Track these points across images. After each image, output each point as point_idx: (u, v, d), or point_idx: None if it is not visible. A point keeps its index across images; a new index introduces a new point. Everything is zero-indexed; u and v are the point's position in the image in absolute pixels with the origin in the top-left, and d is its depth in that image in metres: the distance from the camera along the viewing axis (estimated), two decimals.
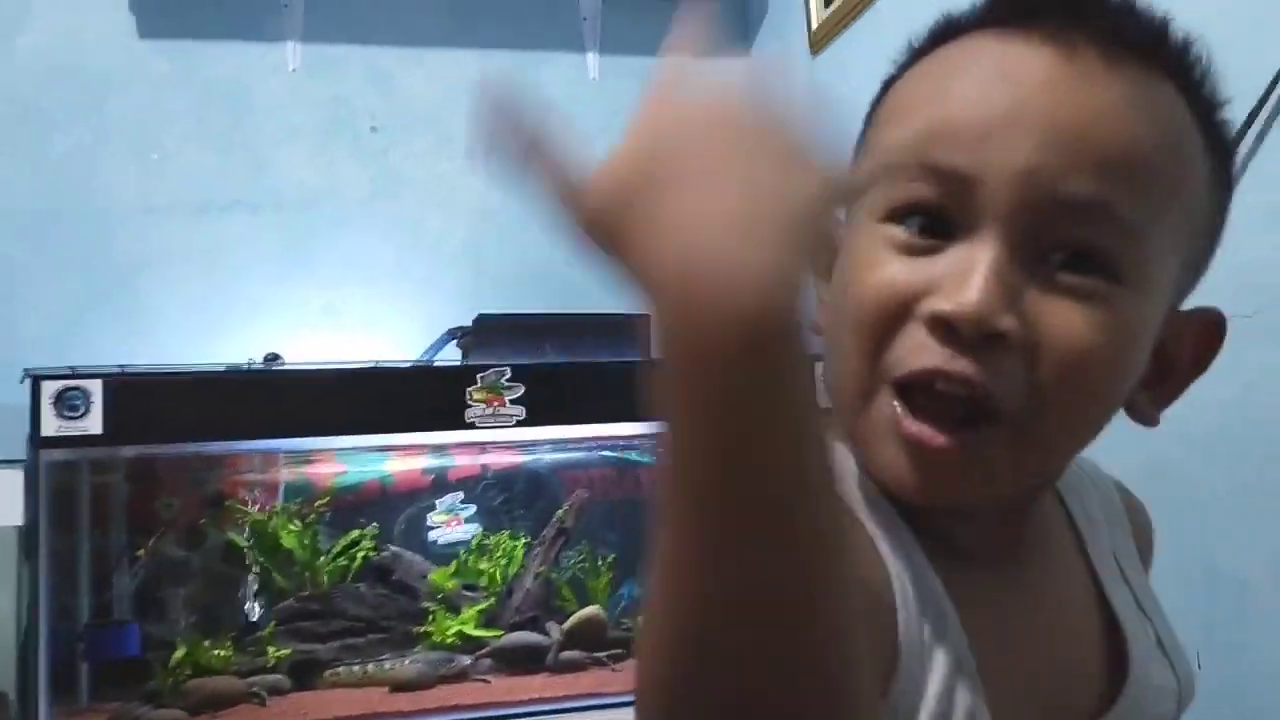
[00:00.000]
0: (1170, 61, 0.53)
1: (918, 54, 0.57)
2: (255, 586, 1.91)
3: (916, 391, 0.51)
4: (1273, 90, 1.17)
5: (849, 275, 0.54)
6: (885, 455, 0.52)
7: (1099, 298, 0.50)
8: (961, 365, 0.49)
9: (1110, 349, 0.50)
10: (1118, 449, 1.41)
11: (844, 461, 0.55)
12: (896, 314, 0.51)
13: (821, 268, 0.58)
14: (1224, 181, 0.57)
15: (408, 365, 2.04)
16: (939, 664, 0.51)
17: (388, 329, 2.24)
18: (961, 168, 0.50)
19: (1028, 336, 0.49)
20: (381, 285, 2.30)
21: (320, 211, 2.31)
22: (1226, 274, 1.26)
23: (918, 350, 0.50)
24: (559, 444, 2.14)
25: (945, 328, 0.49)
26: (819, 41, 2.16)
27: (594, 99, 2.49)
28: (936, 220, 0.51)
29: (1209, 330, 0.59)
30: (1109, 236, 0.50)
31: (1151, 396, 0.58)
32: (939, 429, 0.50)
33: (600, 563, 2.12)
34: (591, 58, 2.51)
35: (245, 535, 1.97)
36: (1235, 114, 1.19)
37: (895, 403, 0.51)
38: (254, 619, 1.90)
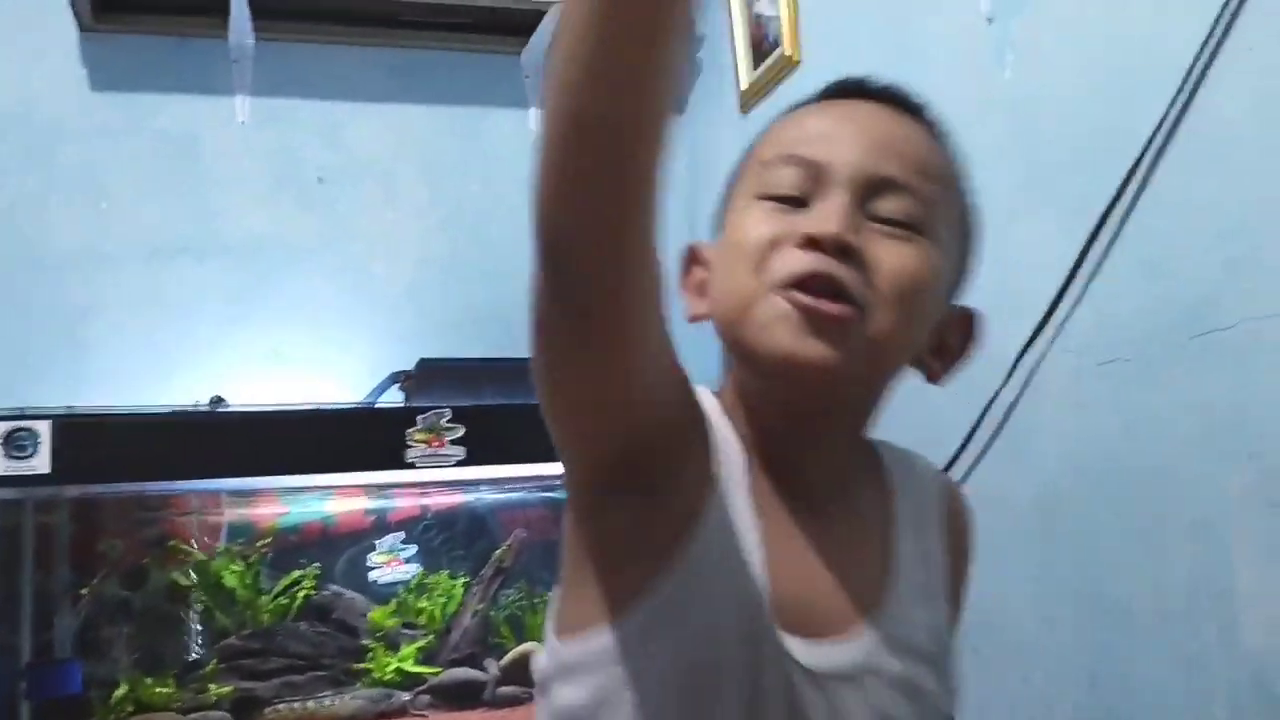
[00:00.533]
0: (934, 127, 0.80)
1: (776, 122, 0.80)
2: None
3: (796, 282, 0.69)
4: (1146, 151, 1.28)
5: (735, 235, 0.74)
6: (783, 340, 0.68)
7: (909, 241, 0.72)
8: (829, 265, 0.69)
9: (919, 270, 0.72)
10: (1013, 485, 1.50)
11: (721, 419, 0.74)
12: (772, 245, 0.71)
13: (693, 286, 0.79)
14: (967, 231, 0.80)
15: (349, 407, 2.10)
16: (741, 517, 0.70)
17: (332, 373, 2.29)
18: (817, 157, 0.73)
19: (867, 256, 0.70)
20: (326, 330, 2.36)
21: (267, 258, 2.37)
22: (1109, 322, 1.38)
23: (795, 262, 0.69)
24: (498, 485, 2.20)
25: (813, 243, 0.69)
26: (748, 101, 2.28)
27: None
28: (796, 200, 0.73)
29: (969, 321, 0.81)
30: (912, 206, 0.72)
31: (938, 365, 0.79)
32: (826, 306, 0.68)
33: (538, 600, 2.18)
34: (534, 113, 2.61)
35: (188, 575, 2.01)
36: (1111, 174, 1.31)
37: (787, 294, 0.69)
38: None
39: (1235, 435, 1.18)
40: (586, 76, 0.55)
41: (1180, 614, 1.25)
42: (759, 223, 0.72)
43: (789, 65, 2.11)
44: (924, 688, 0.73)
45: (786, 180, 0.72)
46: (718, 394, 0.77)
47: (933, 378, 0.79)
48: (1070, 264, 1.39)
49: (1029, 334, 1.46)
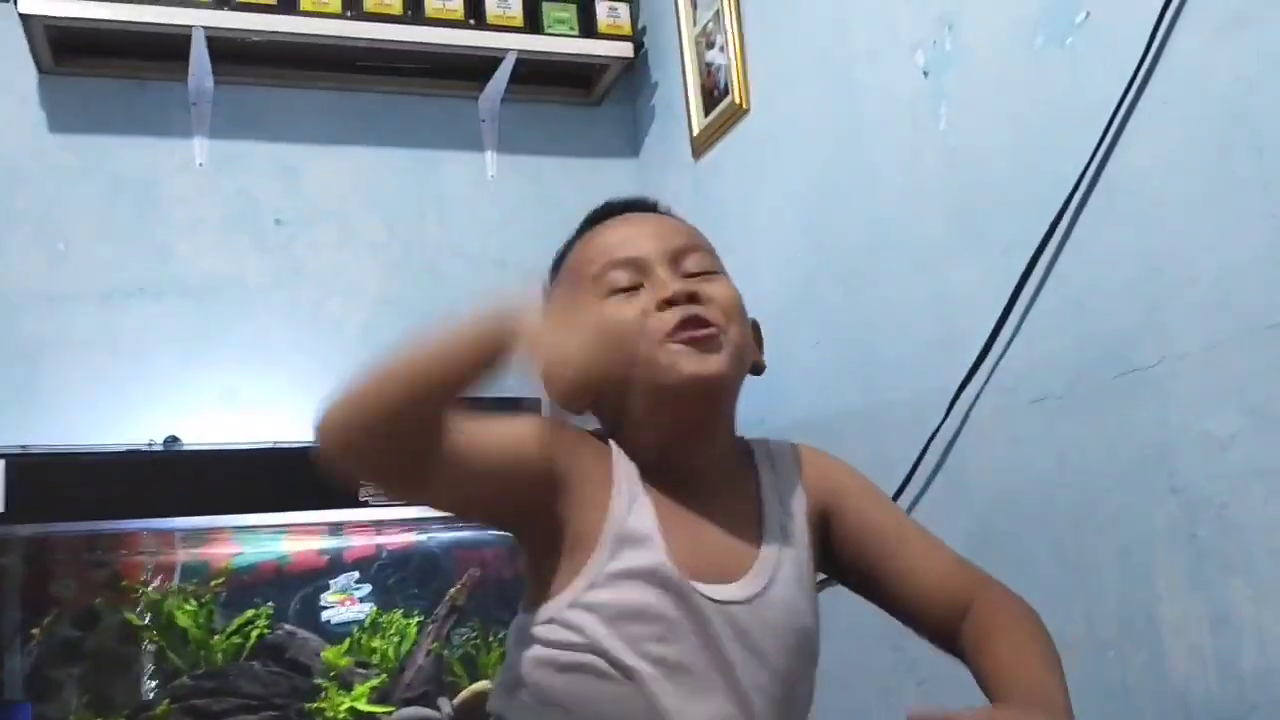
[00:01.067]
0: (670, 210, 1.09)
1: (571, 245, 1.06)
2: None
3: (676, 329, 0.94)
4: (1071, 199, 1.35)
5: (608, 330, 0.93)
6: (687, 367, 0.93)
7: (717, 279, 1.00)
8: (690, 310, 0.94)
9: (734, 295, 0.99)
10: (952, 518, 1.54)
11: (614, 447, 0.98)
12: (645, 318, 0.94)
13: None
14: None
15: (304, 446, 2.11)
16: (637, 507, 0.95)
17: (287, 412, 2.30)
18: (633, 254, 0.99)
19: (706, 296, 0.96)
20: (282, 370, 2.37)
21: (224, 299, 2.38)
22: (1039, 361, 1.43)
23: (668, 317, 0.94)
24: (452, 523, 2.22)
25: (670, 303, 0.94)
26: (700, 147, 2.33)
27: (492, 196, 2.62)
28: (631, 289, 0.98)
29: (757, 327, 1.04)
30: (704, 257, 1.01)
31: (760, 361, 1.03)
32: (707, 334, 0.94)
33: (492, 639, 2.20)
34: (490, 156, 2.65)
35: (141, 615, 2.01)
36: (1039, 219, 1.36)
37: (675, 338, 0.93)
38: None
39: (1158, 469, 1.24)
40: (396, 400, 0.82)
41: (1111, 643, 1.30)
42: (619, 310, 0.96)
43: (739, 113, 2.17)
44: (797, 605, 0.96)
45: (621, 278, 0.98)
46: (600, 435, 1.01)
47: (758, 371, 1.03)
48: (1002, 305, 1.45)
49: (965, 373, 1.51)
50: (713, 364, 0.94)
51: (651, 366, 0.93)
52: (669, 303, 0.94)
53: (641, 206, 1.08)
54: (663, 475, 0.97)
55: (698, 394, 0.95)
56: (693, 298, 0.95)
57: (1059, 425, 1.38)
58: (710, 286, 0.97)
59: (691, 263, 0.99)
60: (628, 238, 1.01)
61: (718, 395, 0.98)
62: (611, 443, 0.99)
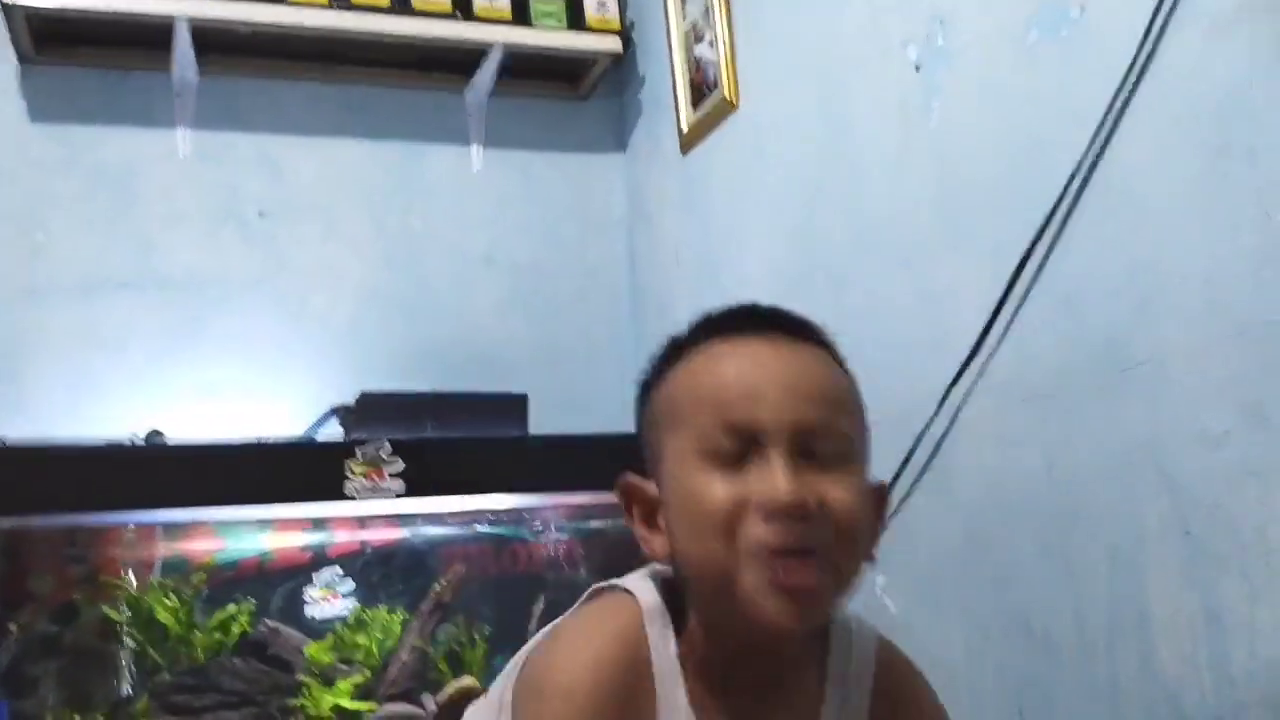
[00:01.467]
0: (828, 346, 0.89)
1: (670, 362, 0.89)
2: None
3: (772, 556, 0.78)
4: (1063, 196, 1.34)
5: (691, 500, 0.81)
6: (768, 613, 0.78)
7: (845, 473, 0.82)
8: (793, 534, 0.78)
9: (859, 502, 0.82)
10: (942, 517, 1.54)
11: (665, 632, 0.85)
12: (737, 512, 0.79)
13: (642, 522, 0.87)
14: (867, 426, 0.89)
15: (287, 440, 2.09)
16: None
17: (272, 407, 2.29)
18: (749, 422, 0.81)
19: (821, 505, 0.79)
20: (266, 364, 2.35)
21: (207, 293, 2.36)
22: (1030, 359, 1.42)
23: (763, 533, 0.78)
24: (437, 519, 2.20)
25: (775, 514, 0.78)
26: (688, 142, 2.32)
27: (477, 189, 2.61)
28: (736, 454, 0.81)
29: (884, 497, 0.90)
30: (838, 441, 0.82)
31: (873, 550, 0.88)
32: (804, 578, 0.78)
33: (476, 636, 2.18)
34: (475, 150, 2.63)
35: (120, 610, 1.98)
36: (1030, 217, 1.36)
37: (765, 566, 0.78)
38: None
39: (1149, 467, 1.23)
40: None
41: (1101, 643, 1.30)
42: (710, 486, 0.80)
43: (728, 108, 2.16)
44: None
45: (725, 445, 0.81)
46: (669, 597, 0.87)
47: (870, 559, 0.87)
48: (993, 303, 1.45)
49: (955, 370, 1.51)
50: (799, 618, 0.79)
51: (729, 586, 0.80)
52: (773, 512, 0.78)
53: (783, 327, 0.87)
54: (706, 674, 0.86)
55: (775, 637, 0.82)
56: (804, 513, 0.78)
57: (1049, 424, 1.37)
58: (834, 489, 0.80)
59: (822, 444, 0.81)
60: (751, 389, 0.82)
61: (798, 637, 0.85)
62: (656, 664, 0.85)
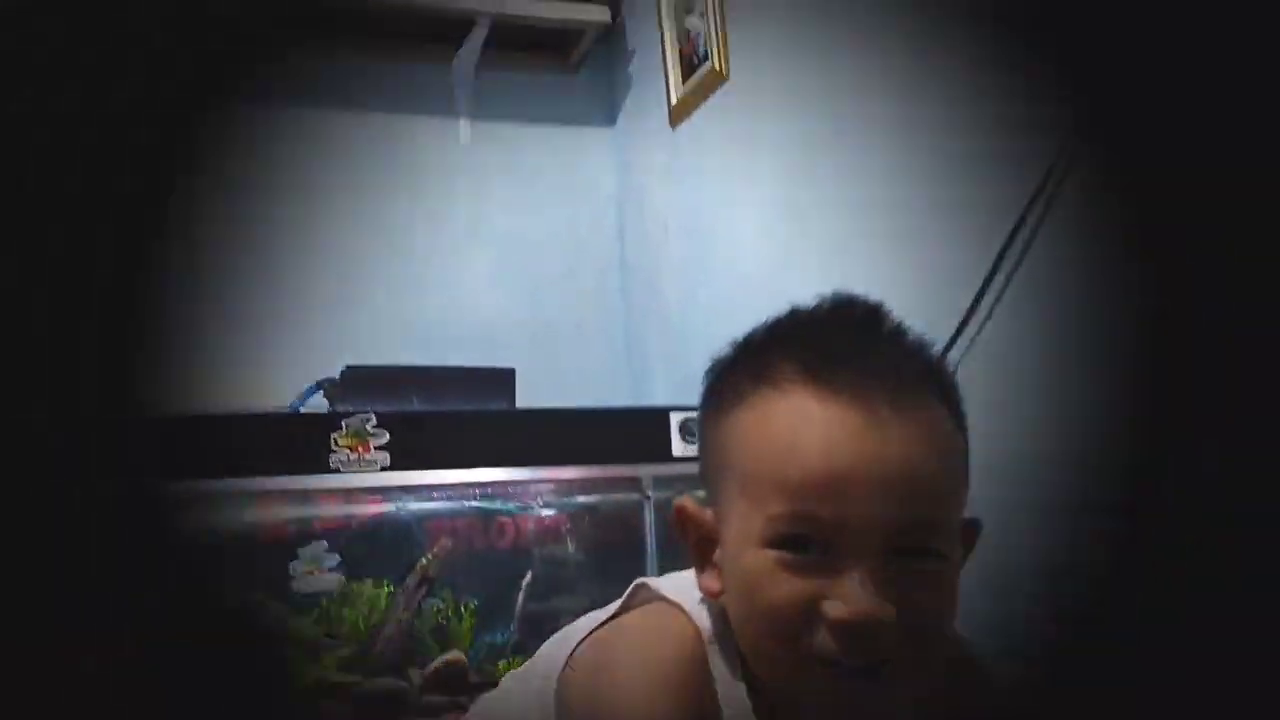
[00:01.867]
0: (936, 387, 0.76)
1: (744, 372, 0.78)
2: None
3: (838, 675, 0.70)
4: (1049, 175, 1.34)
5: (747, 586, 0.72)
6: (824, 708, 0.72)
7: (937, 574, 0.71)
8: (869, 651, 0.69)
9: (949, 607, 0.73)
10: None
11: (733, 661, 0.77)
12: (803, 617, 0.70)
13: (696, 549, 0.79)
14: (962, 427, 0.78)
15: (272, 412, 2.08)
16: None
17: (254, 379, 2.27)
18: (830, 518, 0.69)
19: (900, 610, 0.69)
20: (250, 337, 2.33)
21: None
22: (1019, 333, 1.39)
23: (833, 650, 0.69)
24: (423, 493, 2.19)
25: (849, 631, 0.69)
26: (678, 115, 2.31)
27: (464, 163, 2.58)
28: (806, 544, 0.70)
29: (973, 535, 0.79)
30: (933, 536, 0.71)
31: None
32: (872, 702, 0.70)
33: (463, 609, 2.17)
34: (463, 124, 2.61)
35: None
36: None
37: (832, 690, 0.70)
38: None
39: None
40: None
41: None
42: (775, 583, 0.71)
43: (718, 80, 2.14)
44: None
45: (800, 538, 0.70)
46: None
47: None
48: (982, 276, 1.44)
49: (943, 345, 1.50)
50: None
51: (794, 686, 0.73)
52: (845, 627, 0.69)
53: (890, 376, 0.72)
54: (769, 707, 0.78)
55: None
56: (882, 631, 0.69)
57: (1039, 398, 1.37)
58: (921, 592, 0.70)
59: (917, 541, 0.70)
60: (837, 480, 0.69)
61: None
62: (723, 695, 0.78)
